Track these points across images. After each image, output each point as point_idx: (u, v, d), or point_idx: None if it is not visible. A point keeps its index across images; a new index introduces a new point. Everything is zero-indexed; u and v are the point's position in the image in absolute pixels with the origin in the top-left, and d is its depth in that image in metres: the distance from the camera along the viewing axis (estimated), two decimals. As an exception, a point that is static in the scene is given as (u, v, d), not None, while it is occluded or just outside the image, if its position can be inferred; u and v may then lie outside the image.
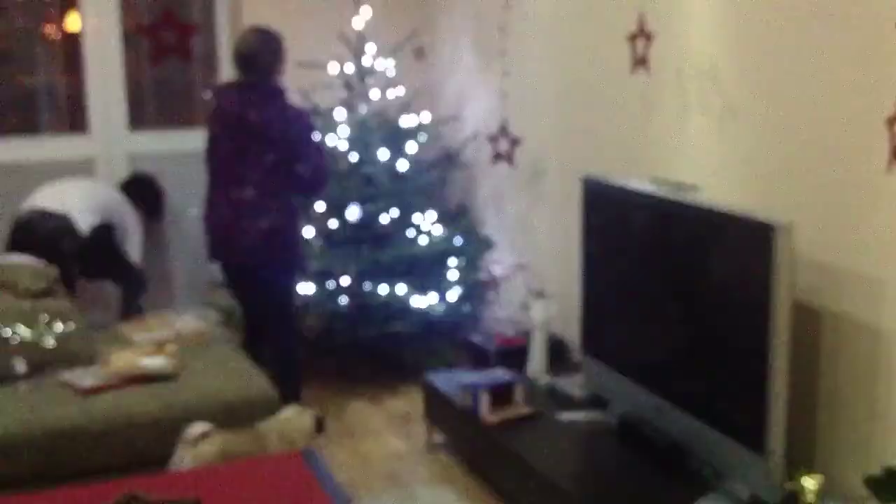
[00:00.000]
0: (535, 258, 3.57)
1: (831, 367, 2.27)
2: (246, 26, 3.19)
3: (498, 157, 3.47)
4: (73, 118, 4.06)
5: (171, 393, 2.68)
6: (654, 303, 2.58)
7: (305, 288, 3.60)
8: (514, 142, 3.44)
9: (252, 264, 3.06)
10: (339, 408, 3.42)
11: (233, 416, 2.66)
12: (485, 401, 2.82)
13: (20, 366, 2.74)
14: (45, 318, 2.82)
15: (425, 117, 3.97)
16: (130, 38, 4.04)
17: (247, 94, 3.01)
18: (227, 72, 4.23)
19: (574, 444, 2.72)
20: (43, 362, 2.78)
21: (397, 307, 3.59)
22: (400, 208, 3.67)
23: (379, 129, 3.74)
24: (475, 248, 3.88)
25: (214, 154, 3.07)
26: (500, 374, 2.97)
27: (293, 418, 2.58)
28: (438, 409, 3.05)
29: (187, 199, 4.18)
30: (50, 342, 2.81)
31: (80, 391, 2.64)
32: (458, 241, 3.78)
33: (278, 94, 3.04)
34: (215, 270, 3.43)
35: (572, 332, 3.23)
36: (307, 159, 3.04)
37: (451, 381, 3.05)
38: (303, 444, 2.54)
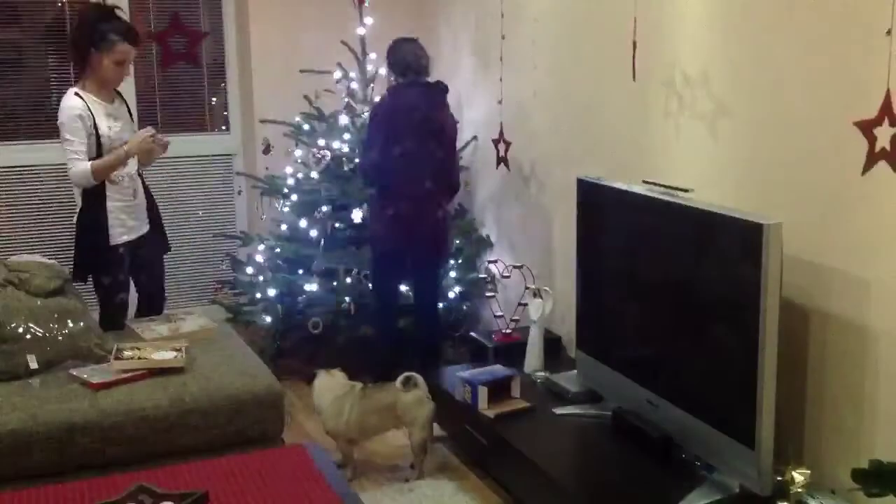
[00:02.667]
0: (532, 258, 3.59)
1: (819, 363, 2.29)
2: (401, 37, 3.35)
3: (501, 160, 3.53)
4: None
5: (180, 387, 2.70)
6: (647, 301, 2.60)
7: (310, 286, 3.66)
8: (508, 144, 3.50)
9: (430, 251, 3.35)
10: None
11: (240, 410, 2.71)
12: (483, 395, 2.86)
13: (32, 362, 2.77)
14: (56, 315, 2.86)
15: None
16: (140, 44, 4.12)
17: (432, 95, 3.26)
18: (234, 78, 4.28)
19: (569, 437, 2.74)
20: (54, 358, 2.82)
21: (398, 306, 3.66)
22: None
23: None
24: (474, 248, 3.93)
25: (391, 150, 3.20)
26: (498, 369, 3.00)
27: (423, 403, 2.86)
28: (439, 403, 3.06)
29: (195, 200, 4.25)
30: (61, 339, 2.85)
31: (91, 386, 2.67)
32: (457, 241, 3.84)
33: (447, 93, 3.33)
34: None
35: (568, 329, 3.27)
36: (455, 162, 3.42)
37: (451, 376, 3.08)
38: (418, 434, 2.85)
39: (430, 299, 3.48)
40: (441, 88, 3.34)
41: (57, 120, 3.09)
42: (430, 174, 3.27)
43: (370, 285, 3.54)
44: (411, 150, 3.22)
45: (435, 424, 3.00)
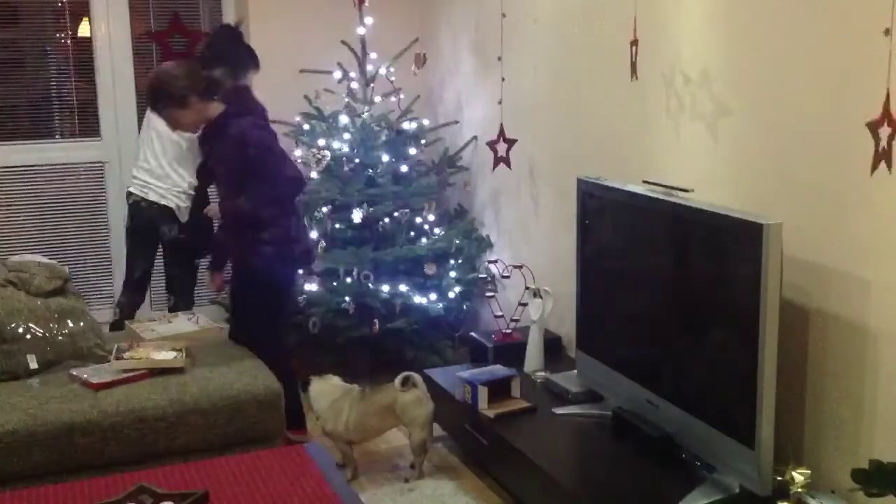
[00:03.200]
0: (532, 258, 3.59)
1: (819, 363, 2.28)
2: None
3: (498, 161, 3.53)
4: (85, 123, 4.11)
5: (180, 388, 2.70)
6: (647, 301, 2.60)
7: (310, 286, 3.66)
8: (510, 143, 3.49)
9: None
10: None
11: (240, 410, 2.71)
12: (483, 395, 2.86)
13: (32, 362, 2.78)
14: (56, 315, 2.87)
15: (426, 122, 4.03)
16: (140, 44, 4.09)
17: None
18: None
19: (569, 437, 2.74)
20: (54, 358, 2.82)
21: (399, 305, 3.66)
22: (401, 210, 3.74)
23: (381, 133, 3.79)
24: (474, 248, 3.93)
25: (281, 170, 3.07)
26: (498, 369, 3.00)
27: (422, 402, 2.88)
28: (438, 403, 3.06)
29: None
30: (61, 339, 2.85)
31: (91, 386, 2.67)
32: (457, 241, 3.85)
33: None
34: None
35: (568, 329, 3.27)
36: None
37: (451, 376, 3.08)
38: (418, 434, 2.86)
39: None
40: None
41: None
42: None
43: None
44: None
45: (435, 424, 3.00)
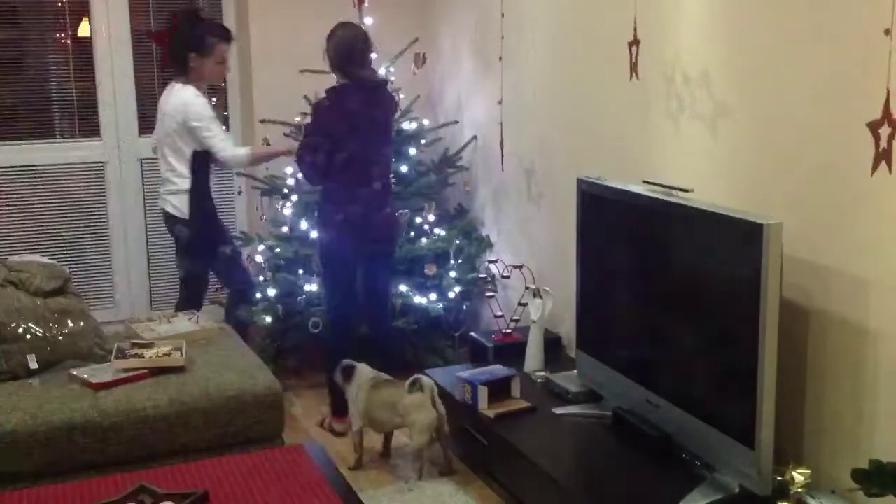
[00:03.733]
0: (532, 258, 3.59)
1: (819, 363, 2.28)
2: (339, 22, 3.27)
3: (501, 160, 3.53)
4: (85, 123, 4.11)
5: (180, 388, 2.70)
6: (647, 301, 2.60)
7: (310, 286, 3.66)
8: (507, 142, 3.50)
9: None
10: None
11: (240, 410, 2.71)
12: (483, 395, 2.86)
13: (32, 362, 2.78)
14: (56, 315, 2.86)
15: (426, 122, 4.03)
16: (140, 43, 4.08)
17: (374, 92, 3.20)
18: (234, 77, 4.27)
19: (569, 437, 2.74)
20: (54, 359, 2.82)
21: (398, 305, 3.65)
22: (401, 210, 3.74)
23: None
24: (474, 247, 3.93)
25: (337, 154, 3.13)
26: (498, 369, 3.00)
27: (424, 408, 2.84)
28: None
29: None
30: (61, 339, 2.85)
31: (91, 386, 2.67)
32: (457, 241, 3.84)
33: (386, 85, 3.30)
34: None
35: (568, 329, 3.27)
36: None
37: (451, 376, 3.07)
38: (415, 438, 2.85)
39: (384, 304, 3.40)
40: (382, 82, 3.29)
41: (178, 115, 3.37)
42: (377, 175, 3.21)
43: (326, 300, 3.40)
44: (358, 154, 3.15)
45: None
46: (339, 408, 3.21)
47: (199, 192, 3.48)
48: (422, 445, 2.89)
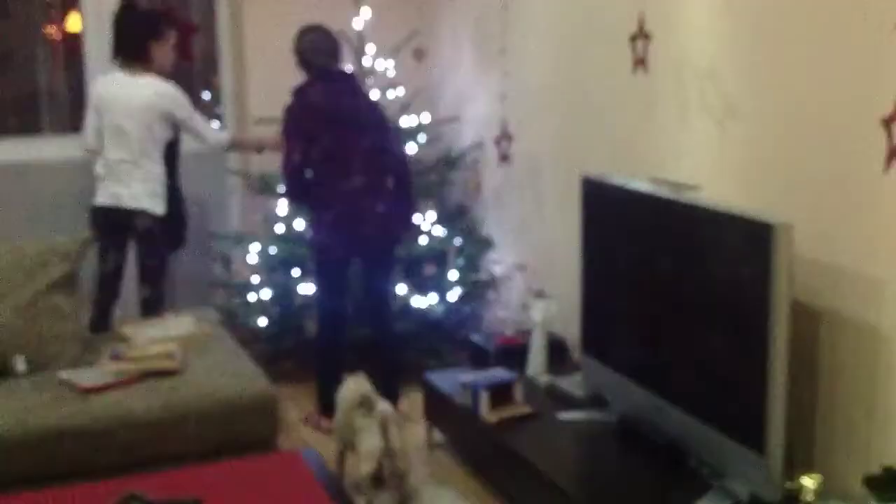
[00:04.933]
0: (534, 258, 3.58)
1: (830, 366, 2.27)
2: (305, 26, 3.31)
3: (503, 158, 3.50)
4: (74, 118, 4.08)
5: (172, 392, 2.67)
6: (654, 302, 2.58)
7: (306, 288, 3.61)
8: (510, 141, 3.46)
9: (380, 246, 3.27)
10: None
11: (234, 414, 2.67)
12: (485, 400, 2.83)
13: (20, 364, 2.74)
14: (46, 316, 2.81)
15: (425, 118, 3.98)
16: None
17: (340, 85, 3.20)
18: (227, 72, 4.24)
19: (574, 443, 2.72)
20: (43, 361, 2.78)
21: (398, 307, 3.60)
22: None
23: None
24: (475, 248, 3.89)
25: (310, 152, 3.14)
26: (499, 373, 2.97)
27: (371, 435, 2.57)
28: (438, 408, 3.06)
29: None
30: (51, 341, 2.80)
31: (81, 390, 2.64)
32: (458, 241, 3.80)
33: (360, 81, 3.29)
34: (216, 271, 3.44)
35: (572, 332, 3.23)
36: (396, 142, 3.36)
37: (452, 380, 3.05)
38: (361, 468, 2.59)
39: (382, 306, 3.35)
40: (348, 75, 3.29)
41: (159, 107, 3.38)
42: (358, 169, 3.16)
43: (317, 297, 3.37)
44: (330, 148, 3.13)
45: (435, 430, 2.94)
46: (325, 409, 3.18)
47: (174, 184, 3.50)
48: (363, 478, 2.58)
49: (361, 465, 2.59)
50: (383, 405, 2.66)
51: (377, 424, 2.59)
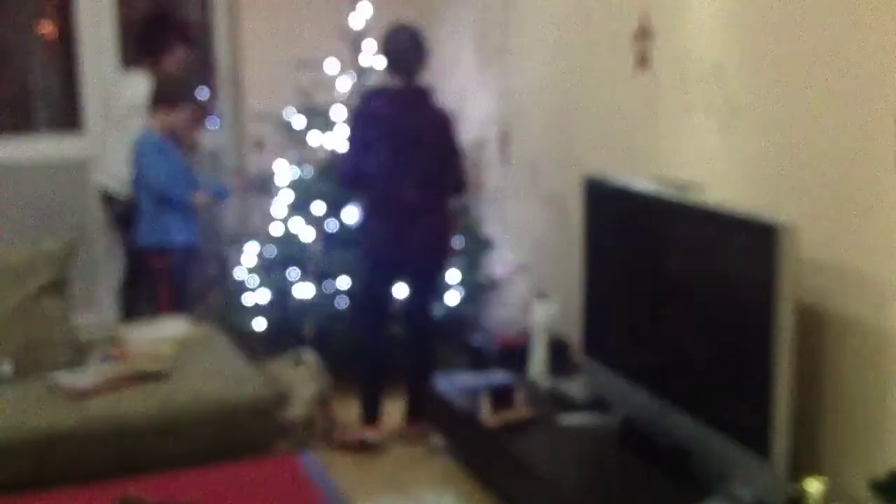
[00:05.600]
0: (536, 259, 3.56)
1: (836, 369, 2.26)
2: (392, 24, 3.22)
3: (503, 157, 3.47)
4: (68, 117, 4.06)
5: (166, 395, 2.65)
6: (657, 304, 2.57)
7: (304, 290, 3.58)
8: (511, 141, 3.44)
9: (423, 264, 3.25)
10: (337, 410, 3.40)
11: (230, 418, 2.65)
12: (485, 403, 2.82)
13: (7, 367, 2.70)
14: (35, 319, 2.78)
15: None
16: (125, 36, 4.04)
17: (410, 98, 3.14)
18: (224, 71, 4.21)
19: (575, 446, 2.70)
20: (33, 366, 2.74)
21: (396, 309, 3.59)
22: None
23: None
24: (476, 249, 3.87)
25: (371, 160, 3.10)
26: (500, 376, 2.97)
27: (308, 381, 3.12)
28: (438, 411, 3.04)
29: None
30: (40, 344, 2.77)
31: (72, 394, 2.61)
32: (458, 241, 3.77)
33: (432, 94, 3.19)
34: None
35: (574, 334, 3.22)
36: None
37: (452, 383, 3.04)
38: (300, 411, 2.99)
39: (423, 312, 3.34)
40: (422, 90, 3.18)
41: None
42: (416, 184, 3.12)
43: (359, 292, 3.41)
44: (386, 159, 3.08)
45: (433, 433, 2.93)
46: (370, 419, 3.17)
47: None
48: (303, 417, 3.10)
49: (300, 410, 3.09)
50: (309, 354, 3.15)
51: (310, 372, 3.12)
